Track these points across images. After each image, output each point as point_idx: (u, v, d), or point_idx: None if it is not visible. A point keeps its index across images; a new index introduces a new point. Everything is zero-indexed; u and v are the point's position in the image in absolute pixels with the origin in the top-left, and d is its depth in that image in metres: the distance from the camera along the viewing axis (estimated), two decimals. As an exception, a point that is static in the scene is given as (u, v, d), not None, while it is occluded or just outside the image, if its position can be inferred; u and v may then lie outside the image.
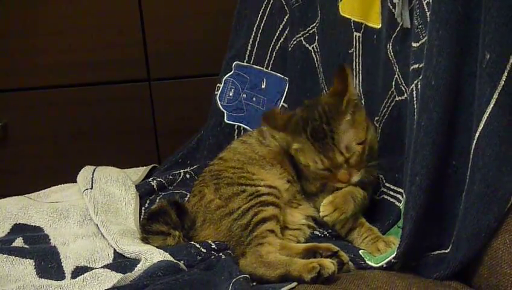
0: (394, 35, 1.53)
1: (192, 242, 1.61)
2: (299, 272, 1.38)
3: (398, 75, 1.54)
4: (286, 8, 2.08)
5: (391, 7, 1.52)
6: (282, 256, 1.46)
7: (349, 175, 1.57)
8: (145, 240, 1.64)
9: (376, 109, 1.68)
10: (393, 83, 1.57)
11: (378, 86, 1.66)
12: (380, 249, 1.49)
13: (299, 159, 1.63)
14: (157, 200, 1.90)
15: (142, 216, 1.81)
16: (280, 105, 2.09)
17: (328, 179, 1.61)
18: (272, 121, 1.67)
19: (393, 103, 1.60)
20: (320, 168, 1.59)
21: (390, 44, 1.56)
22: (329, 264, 1.37)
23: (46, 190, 2.01)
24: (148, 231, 1.64)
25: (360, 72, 1.75)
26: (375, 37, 1.67)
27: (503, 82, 1.16)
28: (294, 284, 1.35)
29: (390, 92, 1.60)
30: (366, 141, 1.59)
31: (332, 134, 1.55)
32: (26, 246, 1.63)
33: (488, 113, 1.17)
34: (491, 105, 1.17)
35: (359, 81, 1.76)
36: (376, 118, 1.69)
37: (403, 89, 1.52)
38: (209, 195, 1.67)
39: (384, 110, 1.64)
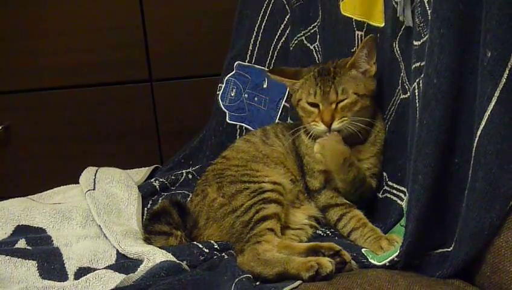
0: (400, 33, 1.54)
1: (195, 242, 1.62)
2: (297, 270, 1.39)
3: (403, 73, 1.54)
4: (287, 7, 2.09)
5: (395, 6, 1.52)
6: (280, 254, 1.47)
7: (332, 118, 1.62)
8: (147, 240, 1.64)
9: (384, 107, 1.68)
10: (400, 81, 1.57)
11: (384, 85, 1.66)
12: (383, 247, 1.49)
13: (296, 96, 1.71)
14: (160, 201, 1.90)
15: (144, 217, 1.81)
16: (282, 105, 2.09)
17: (312, 118, 1.66)
18: (280, 72, 1.77)
19: (398, 101, 1.60)
20: (312, 101, 1.66)
21: (396, 42, 1.56)
22: (327, 263, 1.38)
23: (48, 191, 2.02)
24: (150, 231, 1.65)
25: (364, 70, 1.76)
26: (378, 35, 1.67)
27: (504, 80, 1.16)
28: (297, 283, 1.35)
29: (396, 90, 1.60)
30: (363, 96, 1.64)
31: (335, 75, 1.66)
32: (28, 247, 1.63)
33: (489, 111, 1.17)
34: (493, 103, 1.17)
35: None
36: (384, 116, 1.69)
37: (407, 87, 1.52)
38: (212, 194, 1.67)
39: (392, 108, 1.65)
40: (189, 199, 1.83)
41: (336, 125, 1.62)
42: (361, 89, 1.64)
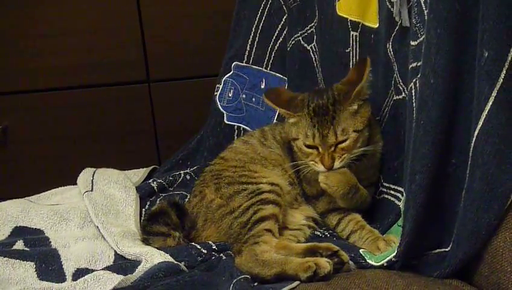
0: (393, 34, 1.53)
1: (193, 243, 1.62)
2: (295, 271, 1.39)
3: (396, 74, 1.54)
4: (284, 8, 2.09)
5: (390, 6, 1.52)
6: (278, 255, 1.47)
7: (333, 159, 1.57)
8: (145, 241, 1.64)
9: (377, 108, 1.68)
10: (393, 82, 1.57)
11: (378, 86, 1.66)
12: (380, 248, 1.49)
13: (291, 132, 1.64)
14: (158, 202, 1.90)
15: (142, 217, 1.80)
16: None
17: (311, 158, 1.60)
18: (274, 97, 1.68)
19: (391, 102, 1.60)
20: (310, 144, 1.59)
21: (390, 43, 1.56)
22: (325, 264, 1.38)
23: (46, 192, 2.01)
24: (148, 232, 1.64)
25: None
26: (372, 36, 1.67)
27: (501, 80, 1.15)
28: (295, 284, 1.35)
29: (390, 91, 1.60)
30: (363, 129, 1.58)
31: (334, 114, 1.56)
32: (26, 248, 1.63)
33: (486, 111, 1.17)
34: (490, 103, 1.17)
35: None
36: (377, 118, 1.69)
37: (401, 88, 1.52)
38: (210, 195, 1.67)
39: (386, 110, 1.64)
40: (187, 200, 1.83)
41: (337, 165, 1.57)
42: (359, 123, 1.57)
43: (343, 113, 1.57)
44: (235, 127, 2.14)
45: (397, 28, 1.51)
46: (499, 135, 1.17)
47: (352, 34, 1.74)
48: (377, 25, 1.63)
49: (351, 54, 1.76)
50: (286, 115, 1.65)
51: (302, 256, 1.45)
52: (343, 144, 1.57)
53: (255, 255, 1.46)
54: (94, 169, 2.03)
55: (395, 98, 1.56)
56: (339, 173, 1.59)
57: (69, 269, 1.55)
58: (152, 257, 1.51)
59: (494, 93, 1.17)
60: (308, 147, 1.60)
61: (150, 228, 1.64)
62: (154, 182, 2.02)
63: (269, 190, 1.61)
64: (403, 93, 1.50)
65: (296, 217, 1.69)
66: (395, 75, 1.55)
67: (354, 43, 1.74)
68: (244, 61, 2.15)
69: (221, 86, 2.18)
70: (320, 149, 1.58)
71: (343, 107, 1.57)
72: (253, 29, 2.14)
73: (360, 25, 1.71)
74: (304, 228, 1.67)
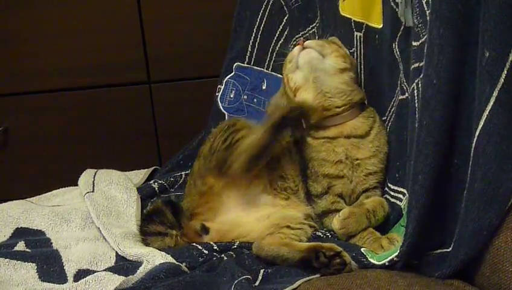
0: (399, 34, 1.53)
1: (194, 243, 1.61)
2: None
3: (402, 74, 1.54)
4: (285, 8, 2.09)
5: (394, 7, 1.52)
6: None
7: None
8: (143, 241, 1.64)
9: (384, 108, 1.68)
10: (399, 82, 1.57)
11: (384, 86, 1.66)
12: (383, 246, 1.48)
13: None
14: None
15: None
16: (281, 106, 2.09)
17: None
18: None
19: (397, 102, 1.60)
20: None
21: (396, 43, 1.56)
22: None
23: (47, 193, 2.01)
24: (145, 233, 1.64)
25: (363, 71, 1.75)
26: (377, 36, 1.67)
27: (502, 80, 1.15)
28: (296, 284, 1.35)
29: (396, 91, 1.60)
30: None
31: None
32: (28, 250, 1.62)
33: (488, 111, 1.17)
34: (491, 103, 1.16)
35: (362, 81, 1.76)
36: (384, 118, 1.69)
37: (405, 88, 1.52)
38: (195, 164, 1.75)
39: (392, 110, 1.64)
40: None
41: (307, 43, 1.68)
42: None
43: None
44: (236, 128, 2.14)
45: (402, 28, 1.51)
46: (500, 135, 1.17)
47: (356, 35, 1.74)
48: (381, 25, 1.63)
49: (356, 54, 1.76)
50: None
51: (304, 255, 1.45)
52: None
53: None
54: (95, 170, 2.03)
55: (400, 97, 1.56)
56: (348, 218, 1.58)
57: (70, 270, 1.55)
58: (153, 258, 1.51)
59: (495, 93, 1.16)
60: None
61: (147, 229, 1.64)
62: (155, 183, 2.02)
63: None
64: (406, 93, 1.50)
65: (296, 215, 1.68)
66: (400, 75, 1.55)
67: (359, 43, 1.74)
68: (245, 62, 2.15)
69: (222, 87, 2.18)
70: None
71: None
72: (254, 30, 2.14)
73: (364, 26, 1.71)
74: (305, 227, 1.66)
